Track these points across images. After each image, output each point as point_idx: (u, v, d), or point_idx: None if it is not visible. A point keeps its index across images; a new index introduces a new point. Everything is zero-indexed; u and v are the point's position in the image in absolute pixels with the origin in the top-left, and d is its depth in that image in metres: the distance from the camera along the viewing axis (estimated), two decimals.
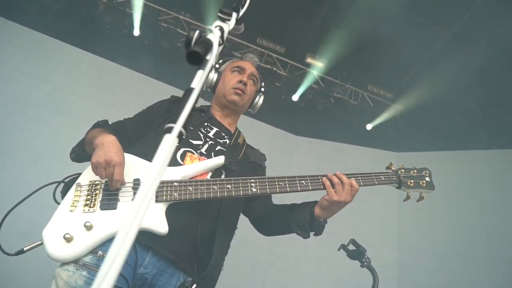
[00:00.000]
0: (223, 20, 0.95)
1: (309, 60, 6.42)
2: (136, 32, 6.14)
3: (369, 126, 6.74)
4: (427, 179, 1.86)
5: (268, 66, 6.41)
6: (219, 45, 0.85)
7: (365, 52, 5.71)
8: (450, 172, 5.37)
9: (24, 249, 1.48)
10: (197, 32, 0.85)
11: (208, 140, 1.84)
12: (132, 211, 0.54)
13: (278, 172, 1.85)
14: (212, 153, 1.79)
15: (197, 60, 0.77)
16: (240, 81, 1.97)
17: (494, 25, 4.81)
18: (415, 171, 1.87)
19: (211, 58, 0.79)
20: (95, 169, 1.49)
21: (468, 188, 5.33)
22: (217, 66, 2.13)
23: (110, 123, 1.89)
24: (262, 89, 2.16)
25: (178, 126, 0.66)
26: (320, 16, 5.78)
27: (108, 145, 1.51)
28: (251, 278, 5.28)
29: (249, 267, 5.29)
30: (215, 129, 1.92)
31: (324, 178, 1.66)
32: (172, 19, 6.26)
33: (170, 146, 0.64)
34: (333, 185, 1.63)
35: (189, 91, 0.74)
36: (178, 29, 6.26)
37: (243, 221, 1.91)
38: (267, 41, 6.41)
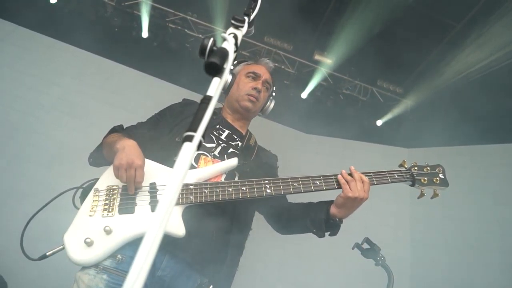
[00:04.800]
0: (236, 27, 0.96)
1: (317, 57, 6.39)
2: (145, 34, 6.17)
3: (379, 122, 6.68)
4: (440, 175, 1.83)
5: (276, 64, 6.40)
6: (234, 52, 0.86)
7: (373, 47, 5.66)
8: (462, 167, 5.32)
9: (47, 254, 1.51)
10: (211, 40, 0.86)
11: (221, 142, 1.85)
12: (155, 221, 0.56)
13: (289, 170, 1.85)
14: (225, 156, 1.80)
15: (214, 69, 0.78)
16: (255, 88, 1.97)
17: (504, 18, 4.75)
18: (428, 168, 1.84)
19: (227, 66, 0.80)
20: (117, 171, 1.52)
21: (480, 182, 5.28)
22: (231, 67, 2.12)
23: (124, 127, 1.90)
24: (274, 94, 2.15)
25: (198, 136, 0.66)
26: (327, 12, 5.75)
27: (129, 148, 1.55)
28: (264, 276, 5.29)
29: (263, 265, 5.31)
30: (227, 132, 1.93)
31: (339, 176, 1.68)
32: (179, 19, 6.28)
33: (190, 154, 0.65)
34: (347, 182, 1.64)
35: (206, 99, 0.75)
36: (186, 30, 6.29)
37: (256, 220, 1.93)
38: (274, 39, 6.40)
